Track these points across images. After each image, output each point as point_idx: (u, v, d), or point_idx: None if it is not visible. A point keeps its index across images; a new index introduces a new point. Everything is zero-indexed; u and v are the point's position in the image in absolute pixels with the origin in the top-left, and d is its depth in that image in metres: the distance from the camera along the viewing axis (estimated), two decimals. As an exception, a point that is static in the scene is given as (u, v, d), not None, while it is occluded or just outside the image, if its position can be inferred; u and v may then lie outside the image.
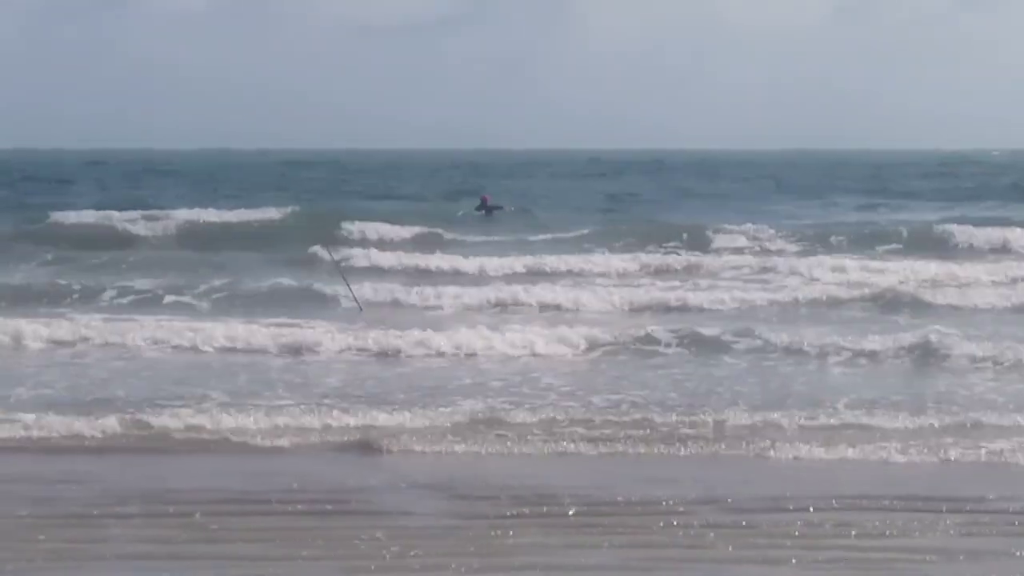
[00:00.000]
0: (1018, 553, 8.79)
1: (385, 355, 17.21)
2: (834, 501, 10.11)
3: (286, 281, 23.78)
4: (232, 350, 17.58)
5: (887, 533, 9.36)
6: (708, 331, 17.98)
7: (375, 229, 33.60)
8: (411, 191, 59.93)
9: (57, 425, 12.60)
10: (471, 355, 17.09)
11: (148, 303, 21.94)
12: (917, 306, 21.37)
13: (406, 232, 33.66)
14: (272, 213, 36.31)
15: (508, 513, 9.89)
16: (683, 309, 21.39)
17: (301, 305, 21.77)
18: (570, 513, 9.91)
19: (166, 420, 12.94)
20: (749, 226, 32.22)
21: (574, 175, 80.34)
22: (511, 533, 9.38)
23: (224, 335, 18.14)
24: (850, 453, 11.92)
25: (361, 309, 22.77)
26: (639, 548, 9.01)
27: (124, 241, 32.50)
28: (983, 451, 12.00)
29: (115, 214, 35.61)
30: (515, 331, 18.06)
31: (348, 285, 24.39)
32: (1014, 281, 24.61)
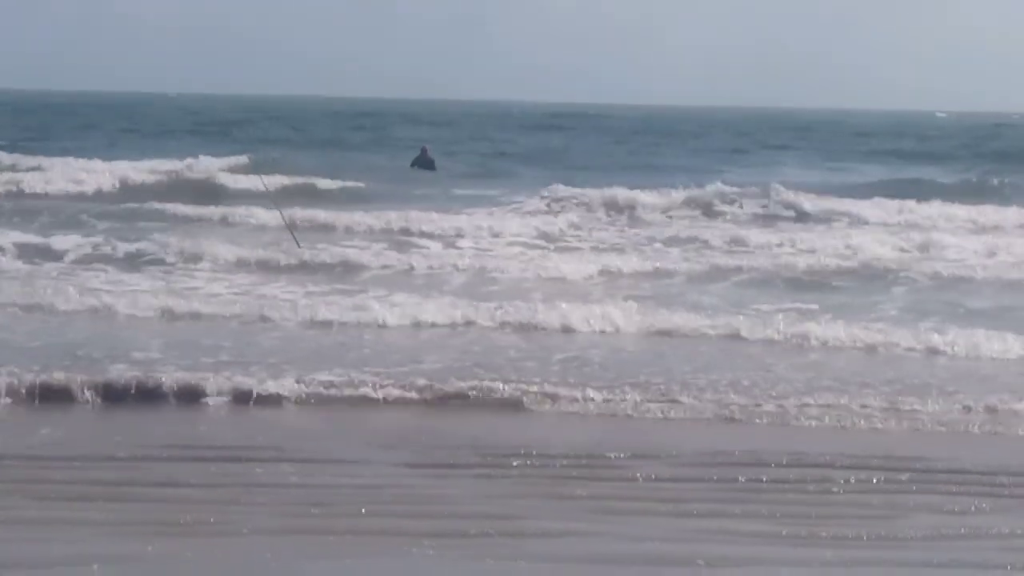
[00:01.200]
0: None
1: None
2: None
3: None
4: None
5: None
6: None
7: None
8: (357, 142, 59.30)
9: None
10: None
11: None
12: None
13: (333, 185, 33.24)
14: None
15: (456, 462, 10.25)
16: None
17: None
18: (514, 464, 10.21)
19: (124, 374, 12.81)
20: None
21: (538, 127, 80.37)
22: (457, 483, 9.74)
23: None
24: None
25: (300, 245, 22.38)
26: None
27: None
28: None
29: None
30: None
31: (287, 222, 24.06)
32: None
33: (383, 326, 16.07)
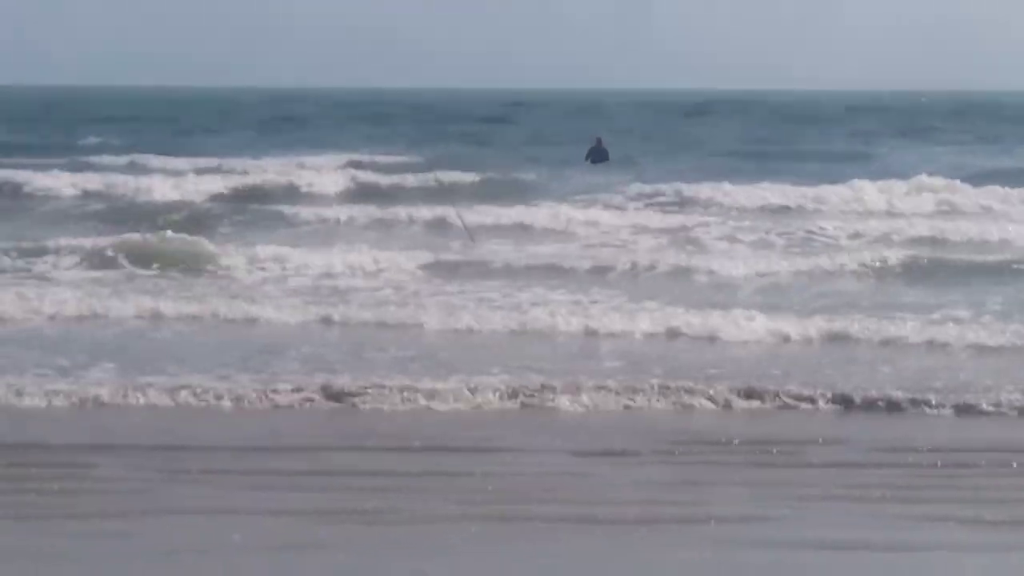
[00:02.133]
0: None
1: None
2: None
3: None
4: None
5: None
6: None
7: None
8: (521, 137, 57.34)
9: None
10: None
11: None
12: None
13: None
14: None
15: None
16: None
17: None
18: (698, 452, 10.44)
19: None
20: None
21: (695, 114, 78.99)
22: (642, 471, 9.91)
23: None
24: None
25: (473, 240, 22.32)
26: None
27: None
28: None
29: None
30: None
31: (460, 216, 23.78)
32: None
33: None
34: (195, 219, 25.51)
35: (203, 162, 36.65)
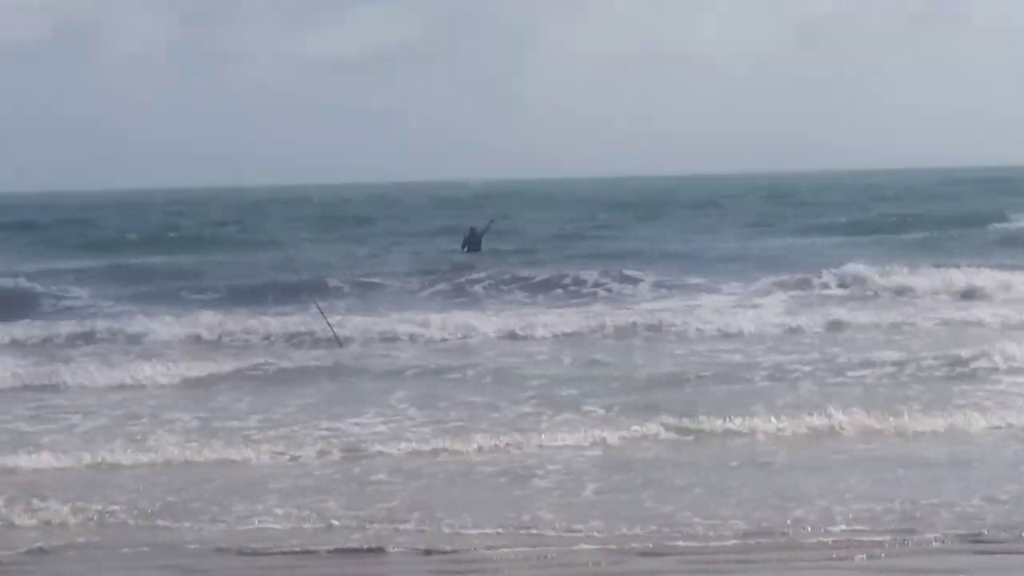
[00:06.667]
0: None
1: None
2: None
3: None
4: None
5: None
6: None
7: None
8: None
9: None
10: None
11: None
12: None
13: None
14: None
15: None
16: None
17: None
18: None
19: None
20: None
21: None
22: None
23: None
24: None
25: (341, 345, 21.20)
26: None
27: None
28: None
29: None
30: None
31: (326, 318, 22.32)
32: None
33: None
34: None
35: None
